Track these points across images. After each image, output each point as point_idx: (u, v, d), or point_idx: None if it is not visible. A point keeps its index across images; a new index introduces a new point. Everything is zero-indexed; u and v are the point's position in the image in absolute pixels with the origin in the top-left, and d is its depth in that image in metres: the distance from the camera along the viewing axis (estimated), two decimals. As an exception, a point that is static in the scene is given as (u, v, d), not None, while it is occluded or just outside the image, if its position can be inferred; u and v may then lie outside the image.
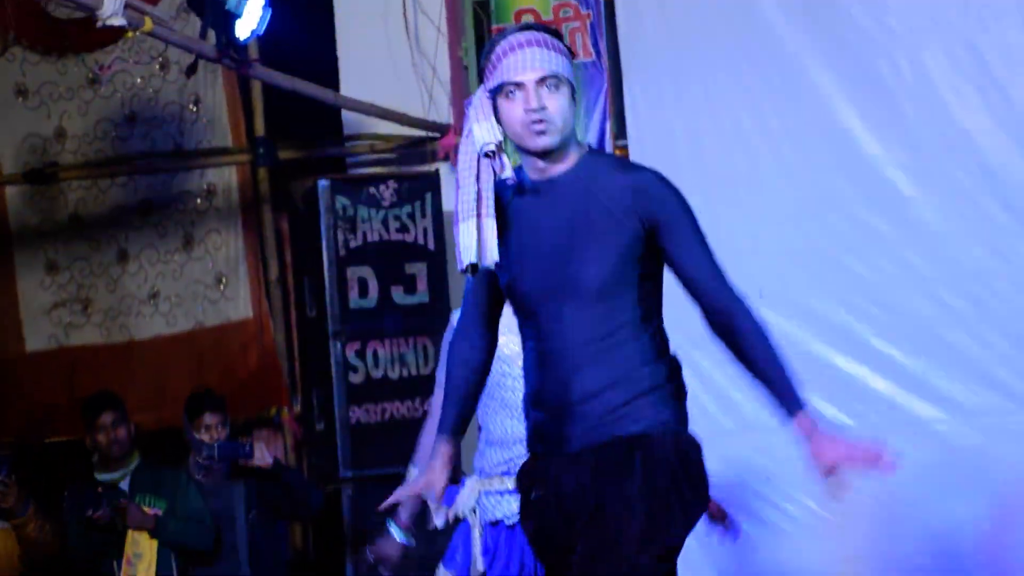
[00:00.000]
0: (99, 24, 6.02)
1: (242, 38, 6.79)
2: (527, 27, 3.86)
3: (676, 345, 7.63)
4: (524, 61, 3.73)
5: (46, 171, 8.37)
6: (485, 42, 7.59)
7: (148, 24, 6.25)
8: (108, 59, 7.95)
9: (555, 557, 3.93)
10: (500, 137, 3.74)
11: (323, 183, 7.50)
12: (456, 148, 7.51)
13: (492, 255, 3.75)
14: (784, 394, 3.76)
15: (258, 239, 8.14)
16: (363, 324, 7.66)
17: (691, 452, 3.87)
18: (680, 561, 6.94)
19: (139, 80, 8.28)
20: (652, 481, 3.77)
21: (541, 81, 3.71)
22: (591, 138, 7.51)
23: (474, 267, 3.76)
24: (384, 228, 7.58)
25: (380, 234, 7.57)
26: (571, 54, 3.89)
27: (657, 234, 3.77)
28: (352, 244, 7.81)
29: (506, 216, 3.84)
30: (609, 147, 7.50)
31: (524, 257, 3.83)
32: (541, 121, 3.71)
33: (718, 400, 7.32)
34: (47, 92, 8.39)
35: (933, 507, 7.00)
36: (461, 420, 4.08)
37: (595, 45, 7.51)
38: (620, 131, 7.55)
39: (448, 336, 4.82)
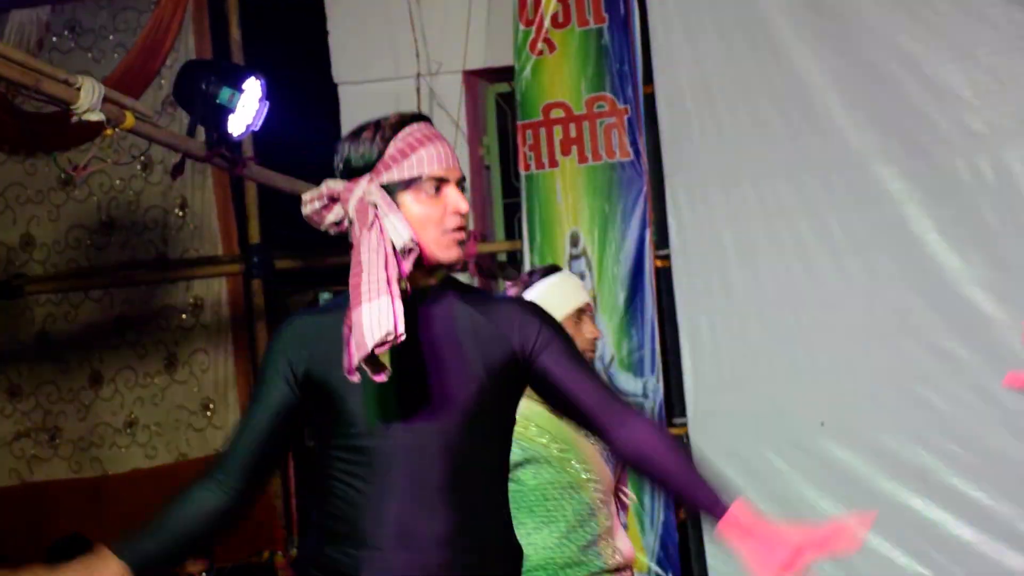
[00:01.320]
0: (74, 119, 6.04)
1: (236, 134, 6.81)
2: (418, 117, 3.81)
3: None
4: (446, 156, 3.71)
5: (11, 283, 8.37)
6: (511, 141, 7.81)
7: (129, 120, 6.29)
8: (83, 159, 7.58)
9: None
10: (412, 235, 3.64)
11: (325, 296, 7.52)
12: (475, 257, 7.56)
13: (402, 329, 3.57)
14: (703, 494, 3.60)
15: (250, 360, 8.10)
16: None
17: None
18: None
19: (118, 182, 8.33)
20: None
21: (459, 182, 3.73)
22: (629, 244, 7.52)
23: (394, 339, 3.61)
24: (393, 343, 7.52)
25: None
26: None
27: (535, 359, 3.73)
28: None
29: None
30: (649, 258, 7.52)
31: (390, 386, 3.67)
32: (462, 230, 3.70)
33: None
34: (13, 195, 8.43)
35: None
36: (148, 557, 3.72)
37: (633, 144, 7.48)
38: (662, 240, 7.54)
39: None
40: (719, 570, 7.42)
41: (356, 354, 3.58)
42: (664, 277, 7.53)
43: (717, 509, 3.55)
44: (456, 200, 3.69)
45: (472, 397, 3.74)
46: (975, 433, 7.12)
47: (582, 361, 3.84)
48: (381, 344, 3.58)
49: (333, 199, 3.74)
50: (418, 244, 3.67)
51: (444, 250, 3.68)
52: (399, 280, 3.66)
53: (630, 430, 3.67)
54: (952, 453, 7.17)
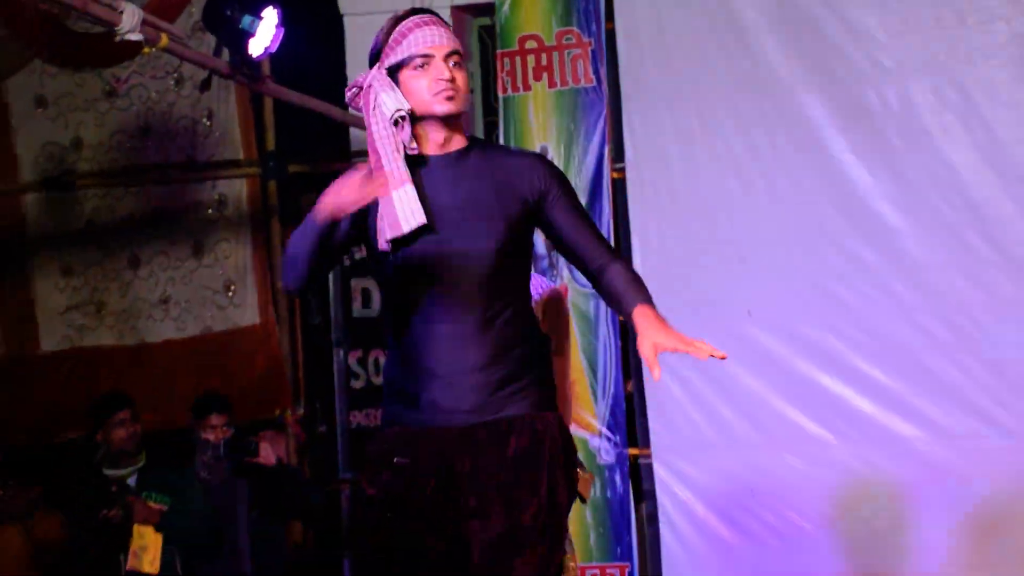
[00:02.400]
0: (117, 39, 6.09)
1: (255, 56, 6.84)
2: (424, 10, 3.92)
3: (665, 363, 7.66)
4: (433, 36, 3.80)
5: (63, 179, 8.39)
6: (491, 67, 7.85)
7: (164, 40, 6.33)
8: (124, 73, 7.90)
9: (414, 523, 3.84)
10: (408, 106, 3.77)
11: None
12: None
13: (423, 217, 3.74)
14: (627, 295, 3.79)
15: (266, 249, 8.14)
16: (365, 333, 7.72)
17: (569, 435, 3.94)
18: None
19: (154, 94, 8.28)
20: (552, 471, 3.80)
21: (448, 55, 3.79)
22: (590, 159, 7.50)
23: (404, 237, 3.77)
24: (388, 240, 7.58)
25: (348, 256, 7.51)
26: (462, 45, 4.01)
27: (544, 206, 3.85)
28: (356, 256, 7.81)
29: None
30: (607, 170, 7.51)
31: (422, 230, 3.81)
32: (451, 89, 3.78)
33: (707, 415, 7.35)
34: (65, 103, 8.41)
35: (910, 520, 7.08)
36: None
37: (596, 72, 7.46)
38: (618, 155, 7.54)
39: None
40: (658, 432, 7.42)
41: (390, 232, 3.74)
42: (619, 187, 7.55)
43: (635, 305, 3.69)
44: (439, 68, 3.79)
45: (497, 244, 3.82)
46: (876, 323, 7.16)
47: (582, 212, 3.94)
48: (410, 230, 3.73)
49: (359, 87, 3.85)
50: (411, 111, 3.77)
51: (436, 106, 3.77)
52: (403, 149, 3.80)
53: (609, 273, 3.80)
54: (856, 339, 7.20)
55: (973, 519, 7.01)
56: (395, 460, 3.84)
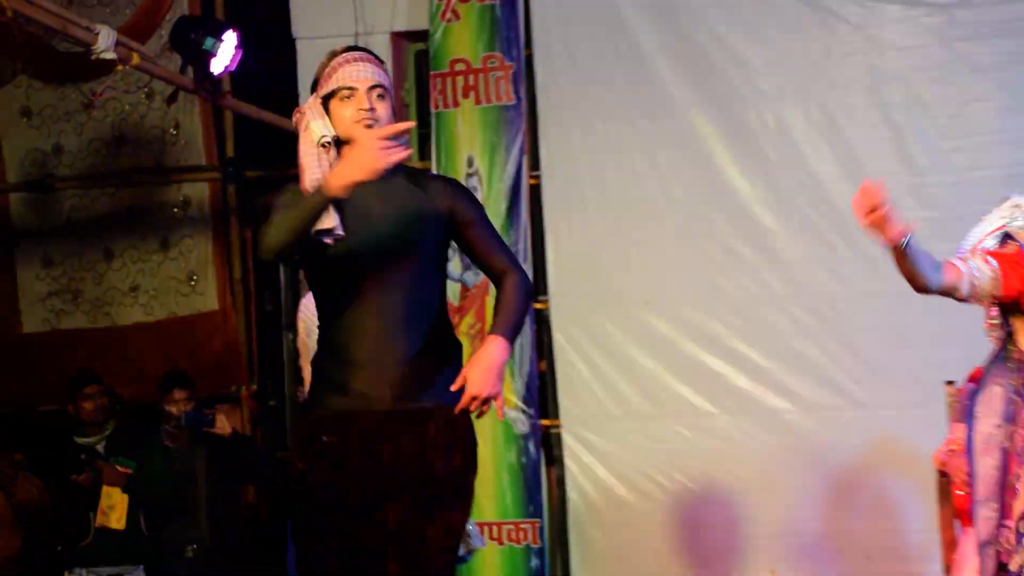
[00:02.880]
0: (93, 57, 6.12)
1: (216, 73, 6.92)
2: (357, 48, 4.00)
3: (574, 346, 7.77)
4: (359, 71, 3.87)
5: (45, 181, 8.37)
6: (425, 86, 7.76)
7: (135, 59, 6.39)
8: (100, 88, 7.95)
9: (340, 494, 3.86)
10: (333, 132, 3.83)
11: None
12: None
13: (335, 222, 3.73)
14: (497, 323, 3.89)
15: (225, 245, 8.17)
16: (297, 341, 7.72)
17: (471, 424, 3.95)
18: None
19: (127, 106, 8.28)
20: (461, 454, 3.89)
21: (372, 88, 3.85)
22: (511, 167, 7.50)
23: (327, 232, 3.78)
24: (331, 237, 7.57)
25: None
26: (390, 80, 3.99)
27: (456, 223, 3.92)
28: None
29: (342, 200, 3.81)
30: (525, 177, 7.53)
31: (357, 233, 3.83)
32: (370, 118, 3.82)
33: (609, 391, 7.45)
34: (48, 114, 8.39)
35: (779, 481, 7.18)
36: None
37: (516, 92, 7.49)
38: (534, 164, 7.60)
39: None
40: (567, 406, 7.53)
41: (322, 225, 3.73)
42: (536, 191, 7.60)
43: (491, 333, 3.82)
44: (362, 99, 3.83)
45: (417, 253, 3.88)
46: (752, 311, 7.28)
47: (489, 228, 4.01)
48: (327, 237, 3.75)
49: (301, 113, 3.92)
50: (336, 136, 3.82)
51: (357, 132, 3.80)
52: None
53: (501, 287, 3.93)
54: (736, 324, 7.31)
55: (831, 478, 7.14)
56: (324, 439, 3.87)
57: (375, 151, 3.64)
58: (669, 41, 7.45)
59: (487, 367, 3.78)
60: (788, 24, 7.32)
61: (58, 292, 8.30)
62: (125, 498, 6.66)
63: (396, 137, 3.72)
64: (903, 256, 3.82)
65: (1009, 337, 4.01)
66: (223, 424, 6.90)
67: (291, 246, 3.75)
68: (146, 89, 8.17)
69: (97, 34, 6.05)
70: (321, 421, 3.93)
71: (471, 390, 3.77)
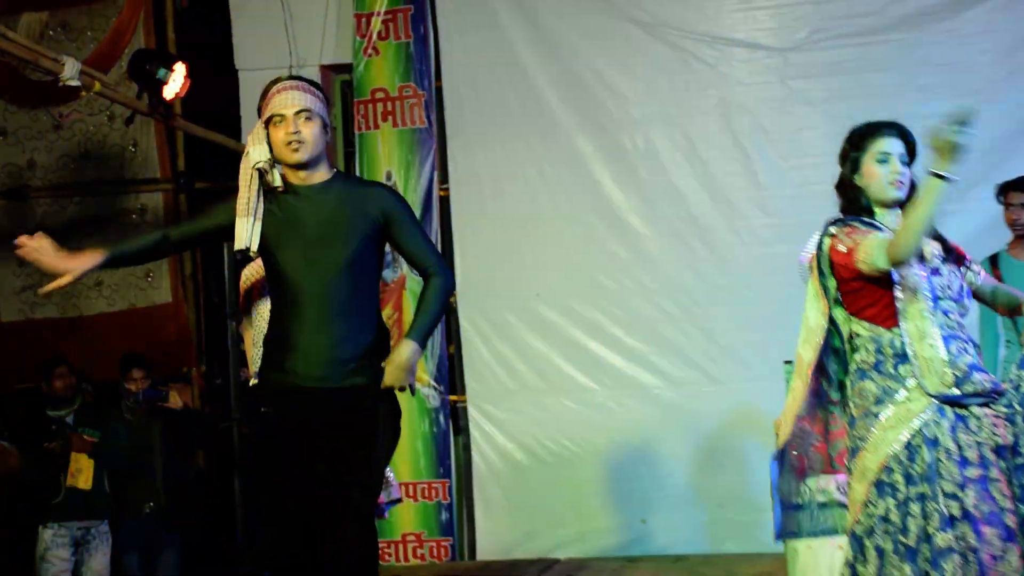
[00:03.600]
0: (61, 84, 6.08)
1: (168, 99, 6.90)
2: (293, 77, 4.01)
3: (478, 331, 7.81)
4: (287, 99, 3.89)
5: (20, 191, 8.28)
6: (350, 111, 7.69)
7: (97, 86, 6.36)
8: (68, 110, 7.85)
9: (273, 459, 3.92)
10: (269, 156, 3.87)
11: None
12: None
13: (255, 245, 3.84)
14: (413, 326, 3.95)
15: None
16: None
17: (396, 402, 4.00)
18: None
19: (92, 127, 8.21)
20: (383, 427, 3.95)
21: (299, 113, 3.86)
22: (423, 181, 7.52)
23: (245, 251, 3.88)
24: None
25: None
26: (326, 99, 4.02)
27: (388, 226, 3.96)
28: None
29: (278, 212, 3.87)
30: (435, 189, 7.56)
31: (291, 239, 3.89)
32: (297, 142, 3.85)
33: (507, 370, 7.50)
34: (22, 133, 8.30)
35: (649, 444, 7.28)
36: (119, 255, 4.06)
37: (428, 116, 7.51)
38: (443, 177, 7.61)
39: None
40: (471, 383, 7.56)
41: (236, 246, 3.90)
42: (444, 202, 7.64)
43: (409, 333, 3.91)
44: (289, 123, 3.85)
45: (350, 252, 3.89)
46: (627, 302, 7.35)
47: (418, 230, 4.01)
48: (243, 251, 3.87)
49: (251, 136, 3.95)
50: (271, 159, 3.85)
51: (286, 155, 3.86)
52: (268, 186, 3.87)
53: (425, 285, 3.98)
54: (613, 314, 7.36)
55: (692, 442, 7.25)
56: (262, 410, 3.95)
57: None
58: (556, 76, 7.48)
59: (398, 365, 3.88)
60: (655, 62, 7.37)
61: (31, 287, 8.16)
62: (91, 463, 6.60)
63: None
64: (937, 193, 3.45)
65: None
66: (175, 400, 6.89)
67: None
68: (107, 112, 8.10)
69: (64, 64, 6.02)
70: (262, 395, 4.00)
71: (386, 382, 3.87)
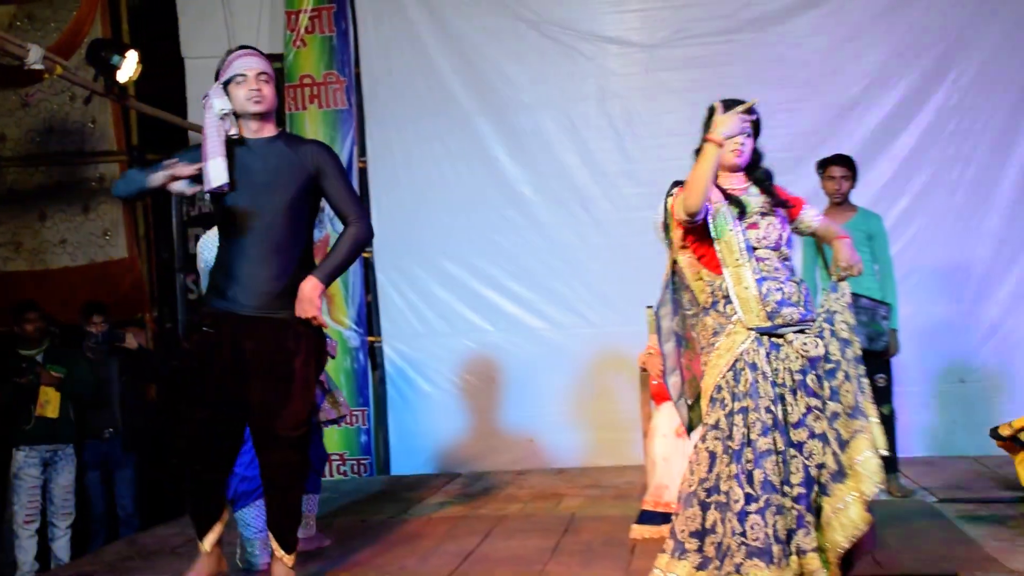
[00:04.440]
0: (26, 68, 6.00)
1: (122, 81, 6.81)
2: (248, 47, 4.04)
3: (392, 282, 7.79)
4: (248, 63, 3.92)
5: None
6: (281, 95, 7.39)
7: (59, 70, 6.25)
8: (34, 91, 7.73)
9: (208, 370, 3.86)
10: (231, 106, 3.88)
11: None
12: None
13: (226, 179, 3.80)
14: (319, 266, 3.91)
15: (131, 209, 8.03)
16: (196, 263, 7.60)
17: (321, 332, 3.99)
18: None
19: (55, 106, 8.11)
20: (308, 353, 3.94)
21: (259, 75, 3.91)
22: (345, 155, 7.36)
23: (220, 188, 3.83)
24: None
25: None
26: (272, 69, 4.00)
27: (320, 177, 3.94)
28: (192, 213, 7.88)
29: (233, 158, 3.86)
30: (355, 162, 7.45)
31: (241, 183, 3.88)
32: (258, 96, 3.89)
33: (417, 316, 7.49)
34: None
35: (537, 377, 7.35)
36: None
37: (348, 99, 7.44)
38: (362, 152, 7.56)
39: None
40: (386, 326, 7.55)
41: (206, 186, 3.81)
42: (363, 173, 7.56)
43: (316, 269, 3.87)
44: (251, 82, 3.88)
45: (288, 198, 3.87)
46: (520, 259, 7.39)
47: (345, 183, 3.96)
48: (218, 188, 3.77)
49: (207, 96, 3.92)
50: (233, 110, 3.84)
51: (249, 106, 3.87)
52: (227, 135, 3.83)
53: (344, 232, 3.92)
54: (508, 268, 7.39)
55: (572, 375, 7.30)
56: (204, 328, 3.91)
57: (172, 182, 3.69)
58: (459, 65, 7.47)
59: (300, 298, 3.87)
60: (542, 55, 7.39)
61: (4, 244, 8.13)
62: (58, 395, 6.59)
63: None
64: (709, 155, 3.63)
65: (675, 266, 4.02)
66: (131, 341, 6.86)
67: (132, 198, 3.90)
68: (69, 92, 7.99)
69: (28, 50, 5.94)
70: (204, 316, 3.94)
71: (296, 313, 3.86)
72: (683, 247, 3.85)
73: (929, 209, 6.99)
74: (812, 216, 3.94)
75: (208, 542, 3.97)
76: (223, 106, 3.91)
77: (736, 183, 3.85)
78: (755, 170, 3.88)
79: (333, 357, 5.04)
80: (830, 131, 6.97)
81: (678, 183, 3.84)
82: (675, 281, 3.91)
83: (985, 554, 4.33)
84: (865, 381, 3.72)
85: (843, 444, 3.62)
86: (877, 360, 5.54)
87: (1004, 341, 6.93)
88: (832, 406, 3.67)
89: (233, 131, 3.92)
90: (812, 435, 3.64)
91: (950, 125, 6.99)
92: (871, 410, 3.66)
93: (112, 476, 6.98)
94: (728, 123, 3.66)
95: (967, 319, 7.00)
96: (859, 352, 3.76)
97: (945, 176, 7.04)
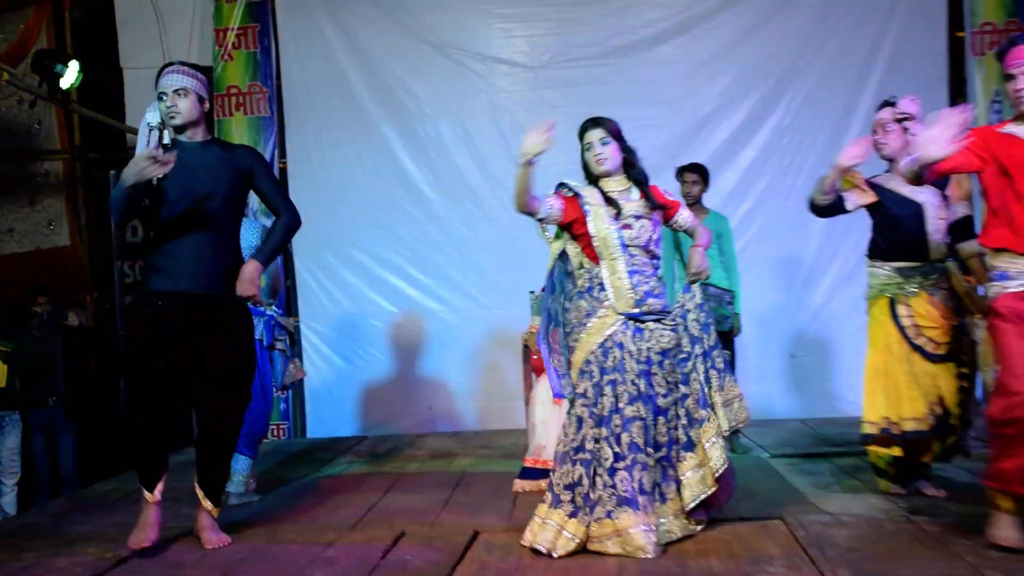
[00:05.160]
0: None
1: (65, 88, 6.75)
2: (178, 62, 3.91)
3: (308, 269, 7.74)
4: (168, 80, 3.84)
5: None
6: (212, 102, 7.03)
7: (6, 76, 6.24)
8: None
9: (156, 343, 3.78)
10: (158, 120, 3.82)
11: (112, 173, 7.30)
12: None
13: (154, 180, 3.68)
14: (258, 250, 3.92)
15: (73, 202, 7.93)
16: (133, 251, 7.55)
17: (249, 312, 4.00)
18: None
19: (4, 108, 7.94)
20: (244, 331, 3.96)
21: (176, 91, 3.81)
22: (266, 157, 6.92)
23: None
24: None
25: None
26: (205, 78, 3.90)
27: (252, 176, 3.92)
28: None
29: (175, 164, 3.74)
30: (276, 162, 7.32)
31: (182, 180, 3.81)
32: (174, 111, 3.80)
33: (329, 298, 7.43)
34: None
35: (433, 352, 7.37)
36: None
37: (270, 107, 7.34)
38: (282, 154, 7.46)
39: None
40: (303, 307, 7.45)
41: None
42: (283, 172, 7.43)
43: (253, 255, 3.87)
44: (169, 99, 3.80)
45: (225, 194, 3.83)
46: (421, 250, 7.38)
47: (274, 181, 3.95)
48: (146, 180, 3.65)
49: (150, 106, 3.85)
50: (160, 123, 3.79)
51: (168, 122, 3.79)
52: (160, 142, 3.76)
53: (276, 221, 3.92)
54: (410, 258, 7.38)
55: (465, 351, 7.27)
56: (158, 304, 3.81)
57: (139, 163, 3.56)
58: (368, 79, 7.43)
59: (242, 278, 3.85)
60: (441, 73, 7.38)
61: None
62: (5, 367, 6.48)
63: None
64: (520, 174, 3.69)
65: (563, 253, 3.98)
66: (73, 319, 6.89)
67: (129, 215, 3.78)
68: (17, 97, 7.87)
69: None
70: (153, 294, 3.82)
71: (236, 291, 3.84)
72: (573, 238, 3.89)
73: (767, 212, 7.18)
74: (686, 217, 4.03)
75: (158, 491, 3.90)
76: (151, 119, 3.87)
77: (616, 186, 3.89)
78: (631, 170, 3.91)
79: (291, 333, 5.14)
80: (686, 143, 7.10)
81: (562, 184, 3.92)
82: (559, 268, 3.93)
83: (806, 500, 4.48)
84: (713, 372, 3.88)
85: (692, 422, 3.79)
86: (723, 339, 5.66)
87: (827, 322, 7.15)
88: (684, 389, 3.83)
89: (166, 139, 3.87)
90: (674, 403, 3.79)
91: (784, 141, 7.19)
92: (717, 398, 3.84)
93: (56, 440, 6.87)
94: (524, 146, 3.65)
95: (797, 304, 7.21)
96: (710, 346, 3.89)
97: (780, 184, 7.23)
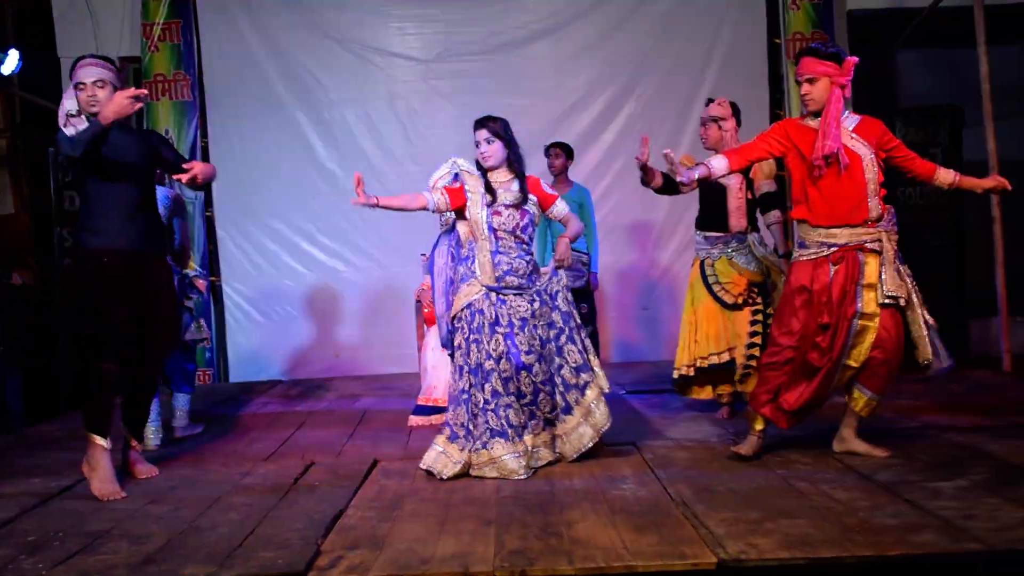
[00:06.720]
0: None
1: (6, 73, 6.52)
2: (92, 55, 3.78)
3: (231, 239, 7.61)
4: (86, 72, 3.70)
5: None
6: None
7: None
8: None
9: (107, 296, 3.69)
10: (77, 108, 3.69)
11: (51, 150, 7.10)
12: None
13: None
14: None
15: (16, 174, 7.54)
16: (71, 218, 7.25)
17: (170, 268, 3.96)
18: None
19: None
20: (171, 283, 3.92)
21: (95, 82, 3.68)
22: (189, 136, 7.05)
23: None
24: (84, 173, 7.10)
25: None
26: (117, 71, 3.77)
27: (157, 149, 3.85)
28: (67, 179, 7.34)
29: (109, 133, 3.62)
30: (199, 141, 7.10)
31: (114, 156, 3.72)
32: (94, 101, 3.66)
33: (249, 261, 7.31)
34: None
35: (341, 307, 7.27)
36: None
37: (193, 93, 7.13)
38: (204, 134, 7.22)
39: None
40: (225, 268, 7.26)
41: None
42: (204, 149, 7.16)
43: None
44: (87, 89, 3.66)
45: (143, 167, 3.76)
46: (329, 219, 7.19)
47: (173, 152, 3.88)
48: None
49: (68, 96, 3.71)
50: (77, 111, 3.64)
51: (88, 110, 3.65)
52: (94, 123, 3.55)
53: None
54: (319, 225, 7.25)
55: (367, 307, 7.21)
56: (104, 260, 3.69)
57: (120, 101, 3.46)
58: (281, 70, 7.28)
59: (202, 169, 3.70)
60: (345, 65, 7.24)
61: None
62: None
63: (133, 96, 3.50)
64: (387, 205, 3.76)
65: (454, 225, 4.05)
66: (16, 279, 6.59)
67: (87, 152, 3.55)
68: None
69: None
70: (95, 250, 3.70)
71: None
72: (462, 219, 3.94)
73: (623, 186, 7.24)
74: (560, 208, 4.01)
75: (109, 438, 3.79)
76: (70, 107, 3.75)
77: (500, 178, 3.91)
78: (513, 166, 3.92)
79: (203, 294, 4.98)
80: (556, 128, 7.10)
81: (458, 173, 3.96)
82: (455, 239, 3.97)
83: (655, 429, 4.61)
84: (588, 343, 3.94)
85: (568, 387, 3.86)
86: (581, 294, 5.78)
87: (674, 279, 7.30)
88: (558, 360, 3.90)
89: (82, 125, 3.72)
90: (537, 361, 3.83)
91: (637, 127, 7.25)
92: (595, 363, 3.90)
93: (1, 384, 6.54)
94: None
95: (649, 264, 7.36)
96: (579, 322, 3.94)
97: (634, 163, 7.31)
